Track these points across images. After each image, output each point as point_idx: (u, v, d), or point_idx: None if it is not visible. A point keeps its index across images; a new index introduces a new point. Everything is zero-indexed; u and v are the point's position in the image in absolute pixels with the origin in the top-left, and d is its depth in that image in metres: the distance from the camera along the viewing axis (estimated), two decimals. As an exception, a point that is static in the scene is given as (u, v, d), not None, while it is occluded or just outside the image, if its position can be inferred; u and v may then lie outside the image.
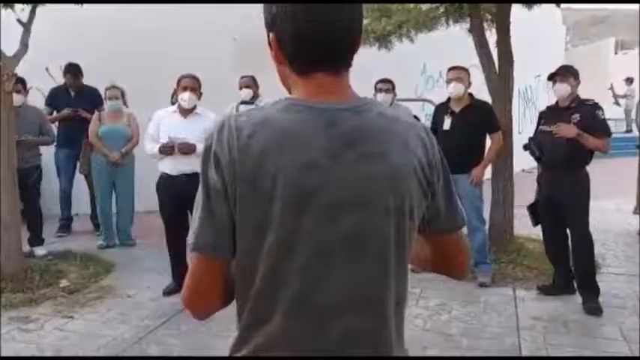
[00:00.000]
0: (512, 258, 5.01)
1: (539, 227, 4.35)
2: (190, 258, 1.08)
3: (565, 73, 4.09)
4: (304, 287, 1.02)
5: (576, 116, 3.99)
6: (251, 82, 5.67)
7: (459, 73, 4.60)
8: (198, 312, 1.12)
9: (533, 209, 4.28)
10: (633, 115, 12.70)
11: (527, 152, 4.27)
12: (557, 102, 4.21)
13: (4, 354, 3.46)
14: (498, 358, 3.36)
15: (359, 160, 1.02)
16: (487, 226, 4.87)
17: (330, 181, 1.00)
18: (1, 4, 4.57)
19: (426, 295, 4.35)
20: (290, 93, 1.10)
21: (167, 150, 4.24)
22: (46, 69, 6.83)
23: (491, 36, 5.27)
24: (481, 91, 5.14)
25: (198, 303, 1.10)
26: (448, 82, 4.65)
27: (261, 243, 1.01)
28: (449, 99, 4.74)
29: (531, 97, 11.58)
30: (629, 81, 15.92)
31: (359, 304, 1.05)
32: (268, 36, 1.08)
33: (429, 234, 1.17)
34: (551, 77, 4.15)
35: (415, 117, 5.97)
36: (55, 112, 6.32)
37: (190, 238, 1.06)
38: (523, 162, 7.21)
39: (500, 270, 4.78)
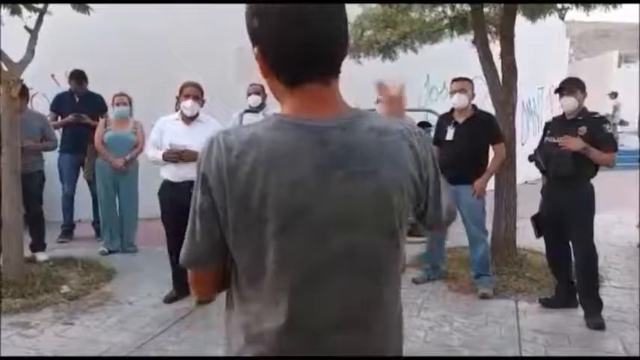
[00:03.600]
0: (514, 270, 4.99)
1: (542, 239, 4.33)
2: None
3: (572, 87, 4.08)
4: (298, 304, 1.02)
5: (583, 129, 3.97)
6: (260, 90, 5.68)
7: (462, 84, 4.61)
8: (202, 298, 1.24)
9: (536, 220, 4.26)
10: (619, 129, 12.71)
11: (532, 163, 4.26)
12: (563, 113, 4.20)
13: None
14: (496, 358, 3.34)
15: (348, 179, 1.01)
16: (489, 238, 4.85)
17: (319, 200, 1.00)
18: (4, 10, 4.61)
19: (427, 306, 4.33)
20: (281, 105, 1.09)
21: (172, 157, 4.24)
22: (52, 75, 6.87)
23: (495, 47, 5.29)
24: (485, 103, 5.15)
25: (200, 294, 1.23)
26: (452, 93, 4.66)
27: (258, 261, 1.02)
28: (452, 110, 4.74)
29: (534, 108, 11.59)
30: (614, 95, 15.82)
31: (354, 321, 1.05)
32: (254, 50, 1.07)
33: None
34: (559, 90, 4.13)
35: (426, 123, 5.97)
36: (59, 118, 6.35)
37: (181, 256, 1.13)
38: (526, 173, 7.22)
39: (502, 282, 4.76)
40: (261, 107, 5.71)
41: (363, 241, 1.03)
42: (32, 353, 3.53)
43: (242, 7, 1.09)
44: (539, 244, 4.55)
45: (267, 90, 4.87)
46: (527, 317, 4.14)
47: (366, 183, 1.02)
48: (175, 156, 4.23)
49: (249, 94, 5.76)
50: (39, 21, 4.77)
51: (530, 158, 4.27)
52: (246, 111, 5.78)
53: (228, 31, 6.78)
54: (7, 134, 4.69)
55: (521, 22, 5.29)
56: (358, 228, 1.02)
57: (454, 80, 4.69)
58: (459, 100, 4.59)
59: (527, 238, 4.91)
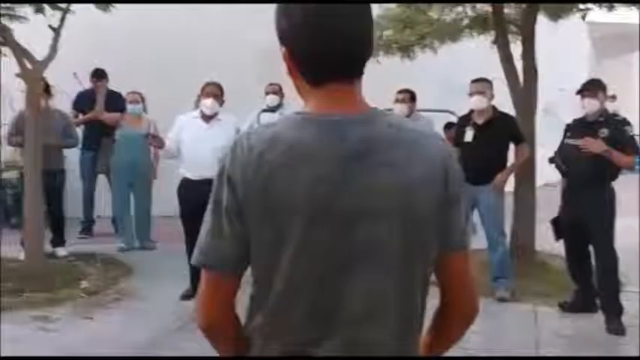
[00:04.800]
0: (533, 273, 4.93)
1: (561, 243, 4.27)
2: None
3: (594, 88, 4.02)
4: (322, 297, 1.03)
5: (604, 131, 3.91)
6: (278, 90, 5.71)
7: (481, 86, 4.57)
8: (211, 330, 1.12)
9: (556, 223, 4.21)
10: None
11: (552, 166, 4.21)
12: (584, 115, 4.14)
13: (25, 352, 3.51)
14: (513, 358, 3.30)
15: (369, 172, 1.02)
16: (508, 240, 4.80)
17: (343, 193, 1.01)
18: (29, 8, 4.69)
19: (443, 308, 4.30)
20: (305, 104, 1.11)
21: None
22: (74, 74, 6.96)
23: (516, 48, 5.23)
24: (505, 105, 5.09)
25: (209, 316, 1.10)
26: (471, 95, 4.61)
27: (276, 259, 1.02)
28: (471, 111, 4.70)
29: (555, 110, 11.45)
30: (613, 98, 15.46)
31: (379, 315, 1.04)
32: (281, 50, 1.09)
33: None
34: (580, 92, 4.08)
35: (452, 124, 5.91)
36: (80, 116, 6.44)
37: (197, 256, 1.08)
38: (546, 175, 7.11)
39: (520, 285, 4.70)
40: (278, 107, 5.73)
41: (386, 234, 1.03)
42: (52, 347, 3.59)
43: (262, 7, 1.10)
44: (559, 248, 4.50)
45: (285, 90, 4.88)
46: (546, 321, 4.09)
47: (388, 175, 1.03)
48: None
49: (267, 94, 5.79)
50: (62, 19, 4.83)
51: (551, 160, 4.23)
52: (264, 110, 5.80)
53: (249, 31, 6.85)
54: (30, 132, 4.77)
55: (542, 22, 5.23)
56: (382, 221, 1.02)
57: (473, 82, 4.65)
58: (477, 103, 4.55)
59: (547, 242, 4.85)
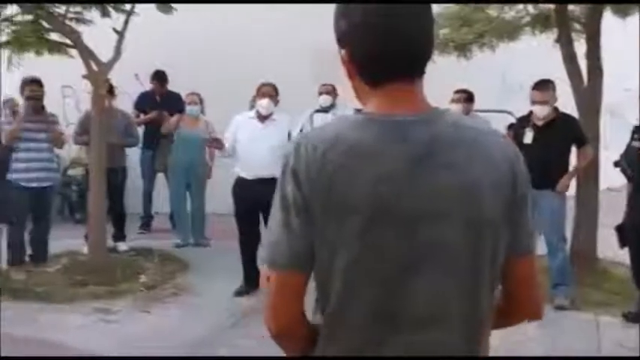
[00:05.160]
0: (594, 281, 4.72)
1: (626, 250, 4.08)
2: (268, 276, 1.07)
3: None
4: (383, 298, 1.01)
5: (674, 134, 3.72)
6: (331, 90, 5.73)
7: (544, 95, 4.34)
8: (283, 332, 1.09)
9: (621, 230, 4.02)
10: None
11: (617, 169, 4.03)
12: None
13: (87, 342, 3.67)
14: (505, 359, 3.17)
15: (433, 172, 1.01)
16: (568, 246, 4.63)
17: (406, 193, 1.00)
18: (95, 12, 4.89)
19: (499, 313, 4.19)
20: (364, 105, 1.10)
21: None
22: (135, 75, 7.22)
23: (580, 46, 5.03)
24: (567, 105, 4.90)
25: (279, 317, 1.07)
26: (533, 103, 4.44)
27: (335, 259, 1.01)
28: (531, 112, 4.55)
29: (621, 111, 10.94)
30: None
31: (442, 317, 1.03)
32: (340, 52, 1.09)
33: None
34: None
35: (513, 125, 5.69)
36: (142, 116, 6.69)
37: (267, 254, 1.06)
38: (610, 180, 6.82)
39: (581, 293, 4.52)
40: (331, 107, 5.74)
41: (450, 235, 1.01)
42: (111, 339, 3.73)
43: (317, 9, 1.11)
44: (623, 255, 4.29)
45: (339, 90, 4.87)
46: (609, 331, 3.91)
47: (452, 176, 1.01)
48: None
49: (320, 94, 5.81)
50: (126, 22, 5.01)
51: (616, 164, 4.05)
52: (317, 111, 5.82)
53: (304, 31, 6.90)
54: (95, 131, 4.98)
55: (607, 19, 5.00)
56: (445, 222, 1.01)
57: (535, 87, 4.42)
58: (540, 112, 4.38)
59: (611, 249, 4.64)
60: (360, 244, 1.00)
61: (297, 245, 1.03)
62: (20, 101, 5.02)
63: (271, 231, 1.06)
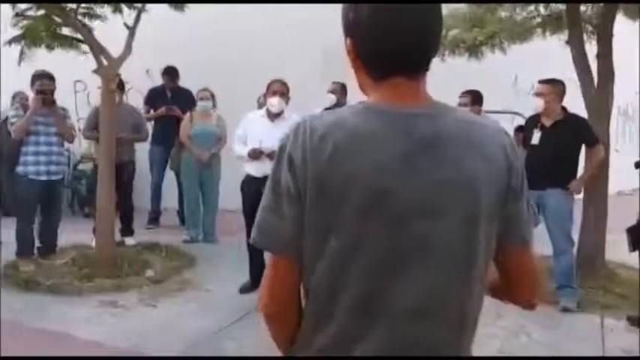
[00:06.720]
0: (601, 284, 4.69)
1: (635, 255, 4.04)
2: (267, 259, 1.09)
3: None
4: (371, 289, 1.01)
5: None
6: (338, 89, 5.73)
7: (541, 88, 4.44)
8: (274, 314, 1.11)
9: (633, 233, 3.98)
10: None
11: (628, 173, 4.01)
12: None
13: (93, 334, 3.70)
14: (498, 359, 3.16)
15: (433, 167, 1.01)
16: (575, 248, 4.60)
17: (402, 186, 0.99)
18: (107, 8, 4.92)
19: (503, 314, 4.17)
20: (367, 98, 1.11)
21: (256, 155, 4.39)
22: (147, 71, 7.26)
23: (591, 48, 4.99)
24: (577, 107, 4.87)
25: (273, 298, 1.09)
26: (536, 95, 4.50)
27: (325, 244, 1.01)
28: (539, 113, 4.55)
29: (632, 114, 10.86)
30: None
31: (433, 311, 1.03)
32: (346, 41, 1.09)
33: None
34: None
35: (523, 127, 5.67)
36: (152, 111, 6.72)
37: (256, 236, 1.07)
38: (620, 183, 6.77)
39: (586, 296, 4.50)
40: (340, 105, 5.74)
41: (443, 230, 1.01)
42: (117, 331, 3.76)
43: (327, 9, 1.11)
44: (632, 259, 4.27)
45: (349, 89, 4.87)
46: (614, 335, 3.89)
47: (451, 171, 1.01)
48: (259, 154, 4.37)
49: (329, 92, 5.81)
50: (137, 18, 5.04)
51: (637, 165, 4.02)
52: (326, 109, 5.82)
53: (315, 29, 6.91)
54: (105, 126, 5.01)
55: (619, 20, 4.96)
56: (439, 217, 1.01)
57: (539, 81, 4.53)
58: (536, 105, 4.45)
59: (619, 253, 4.60)
60: (349, 233, 1.00)
61: (287, 231, 1.03)
62: (31, 95, 5.06)
63: (260, 210, 1.06)
